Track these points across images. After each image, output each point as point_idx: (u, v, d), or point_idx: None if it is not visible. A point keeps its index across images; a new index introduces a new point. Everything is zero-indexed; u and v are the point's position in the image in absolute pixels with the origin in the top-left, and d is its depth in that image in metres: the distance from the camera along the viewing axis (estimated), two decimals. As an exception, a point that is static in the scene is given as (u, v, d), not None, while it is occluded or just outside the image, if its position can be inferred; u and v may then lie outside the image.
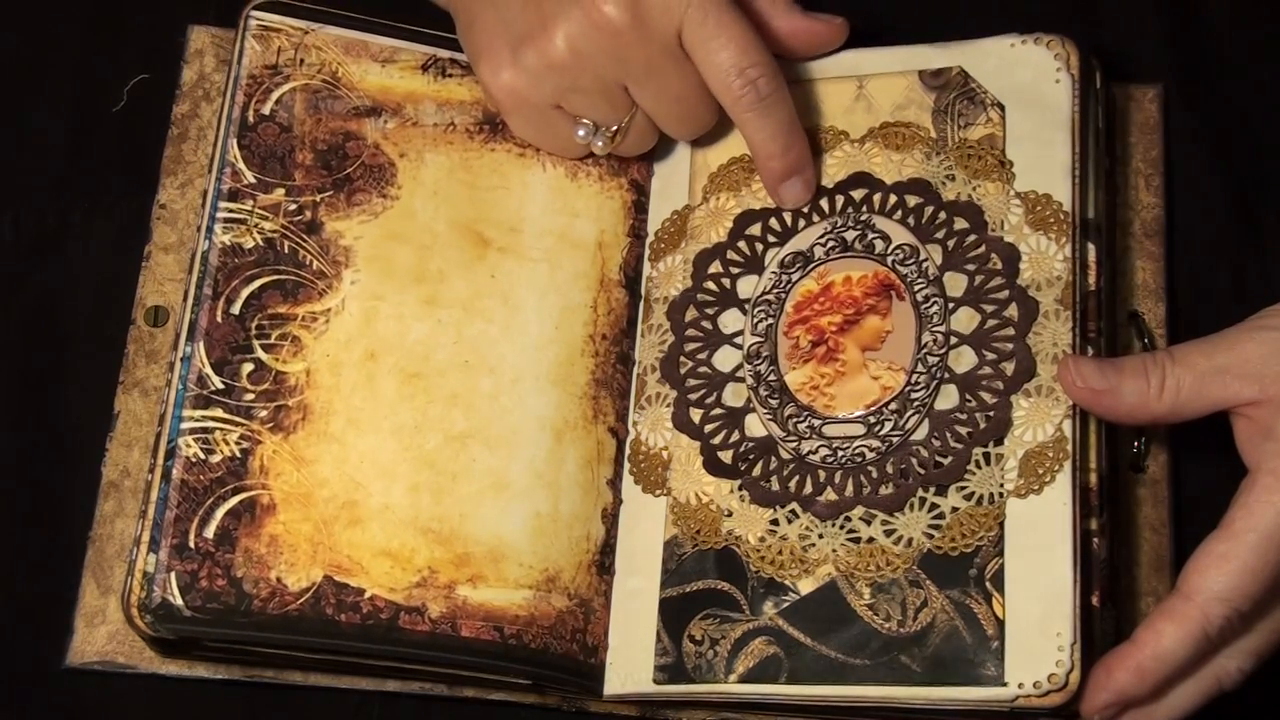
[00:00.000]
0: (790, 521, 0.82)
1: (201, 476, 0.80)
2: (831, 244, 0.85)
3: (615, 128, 0.85)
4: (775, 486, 0.82)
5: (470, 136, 0.88)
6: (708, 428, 0.85)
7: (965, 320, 0.82)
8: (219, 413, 0.81)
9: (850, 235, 0.85)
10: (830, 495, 0.82)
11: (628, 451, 0.86)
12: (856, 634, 0.79)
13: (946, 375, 0.82)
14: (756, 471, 0.83)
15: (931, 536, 0.80)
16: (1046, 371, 0.80)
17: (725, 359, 0.86)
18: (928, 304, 0.83)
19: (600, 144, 0.85)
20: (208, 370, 0.81)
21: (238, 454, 0.80)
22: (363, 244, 0.85)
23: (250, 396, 0.81)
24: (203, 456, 0.80)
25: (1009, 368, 0.81)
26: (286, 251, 0.84)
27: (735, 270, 0.87)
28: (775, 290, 0.85)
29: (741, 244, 0.87)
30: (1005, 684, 0.76)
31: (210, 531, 0.79)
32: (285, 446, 0.81)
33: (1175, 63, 0.93)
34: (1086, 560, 0.78)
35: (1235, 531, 0.75)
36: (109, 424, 0.86)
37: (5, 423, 0.87)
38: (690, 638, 0.82)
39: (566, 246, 0.87)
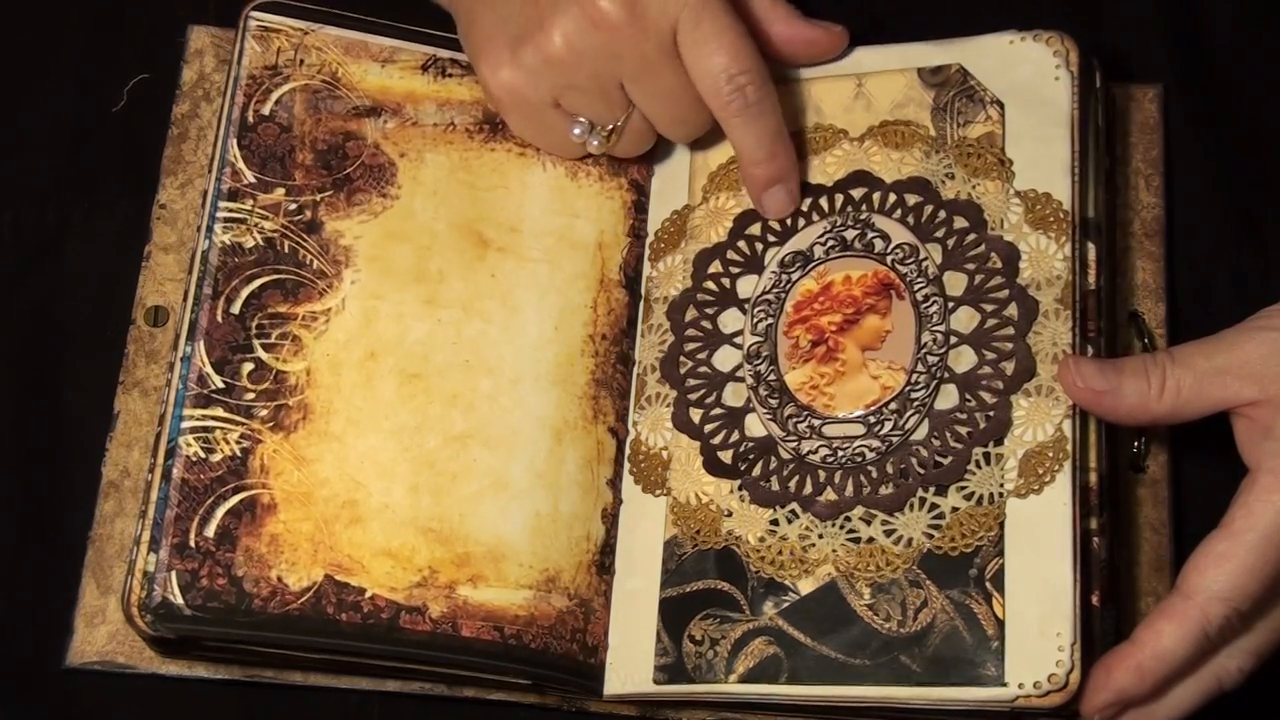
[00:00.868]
0: (790, 521, 0.82)
1: (202, 475, 0.80)
2: (831, 243, 0.85)
3: (611, 127, 0.85)
4: (775, 486, 0.82)
5: (470, 136, 0.88)
6: (707, 428, 0.85)
7: (965, 320, 0.82)
8: (219, 412, 0.81)
9: (850, 234, 0.85)
10: (830, 495, 0.82)
11: (628, 451, 0.86)
12: (856, 634, 0.79)
13: (946, 375, 0.81)
14: (756, 471, 0.83)
15: (931, 536, 0.79)
16: (1046, 371, 0.80)
17: (725, 359, 0.86)
18: (927, 303, 0.83)
19: (596, 143, 0.85)
20: (208, 370, 0.81)
21: (238, 453, 0.80)
22: (363, 244, 0.85)
23: (251, 396, 0.81)
24: (203, 455, 0.80)
25: (1009, 367, 0.81)
26: (286, 251, 0.84)
27: (735, 270, 0.87)
28: (775, 290, 0.85)
29: (741, 243, 0.87)
30: (1005, 684, 0.76)
31: (211, 531, 0.79)
32: (286, 446, 0.81)
33: (1175, 63, 0.93)
34: (1086, 560, 0.78)
35: (1235, 531, 0.75)
36: (109, 424, 0.86)
37: (5, 423, 0.87)
38: (690, 638, 0.82)
39: (566, 247, 0.87)
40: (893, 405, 0.82)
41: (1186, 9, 0.94)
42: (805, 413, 0.83)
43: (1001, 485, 0.79)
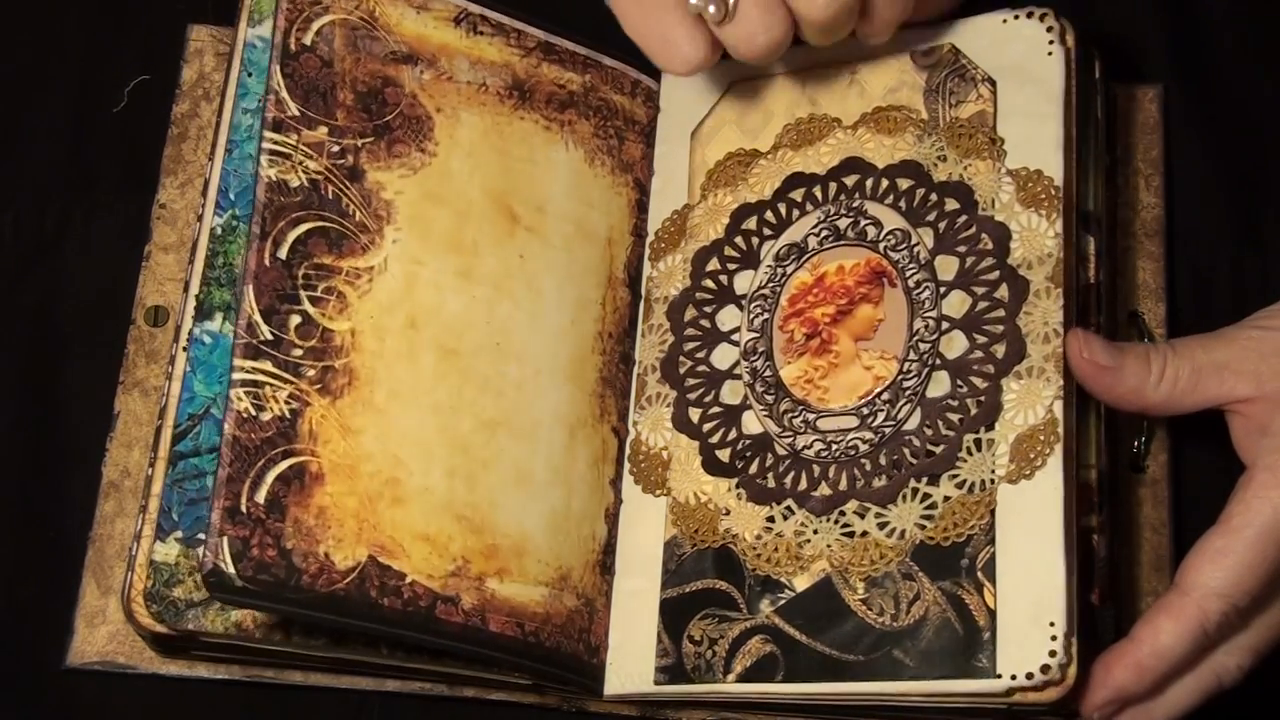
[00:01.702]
0: (786, 518, 0.82)
1: (253, 435, 0.78)
2: (825, 233, 0.85)
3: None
4: (770, 483, 0.82)
5: (501, 100, 0.87)
6: (706, 426, 0.85)
7: (956, 304, 0.82)
8: (269, 366, 0.79)
9: (843, 223, 0.85)
10: (824, 490, 0.82)
11: (628, 451, 0.86)
12: (850, 630, 0.79)
13: (938, 361, 0.81)
14: (753, 469, 0.83)
15: (924, 527, 0.79)
16: (1037, 352, 0.80)
17: (723, 356, 0.86)
18: (919, 289, 0.83)
19: (713, 9, 0.80)
20: (257, 318, 0.80)
21: (287, 414, 0.79)
22: (403, 200, 0.84)
23: (299, 352, 0.80)
24: (254, 413, 0.78)
25: (999, 350, 0.80)
26: (330, 197, 0.83)
27: (732, 266, 0.87)
28: (771, 284, 0.85)
29: (738, 239, 0.87)
30: (998, 675, 0.76)
31: (261, 496, 0.77)
32: (333, 412, 0.80)
33: (1175, 63, 0.93)
34: (1086, 557, 0.78)
35: (1233, 527, 0.75)
36: (109, 424, 0.86)
37: (5, 423, 0.88)
38: (690, 638, 0.82)
39: (582, 237, 0.87)
40: (885, 395, 0.82)
41: (1186, 9, 0.94)
42: (800, 407, 0.83)
43: (993, 471, 0.79)
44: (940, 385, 0.81)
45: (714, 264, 0.87)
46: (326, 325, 0.81)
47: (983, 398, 0.80)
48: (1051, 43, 0.83)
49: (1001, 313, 0.81)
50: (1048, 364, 0.79)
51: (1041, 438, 0.78)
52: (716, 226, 0.88)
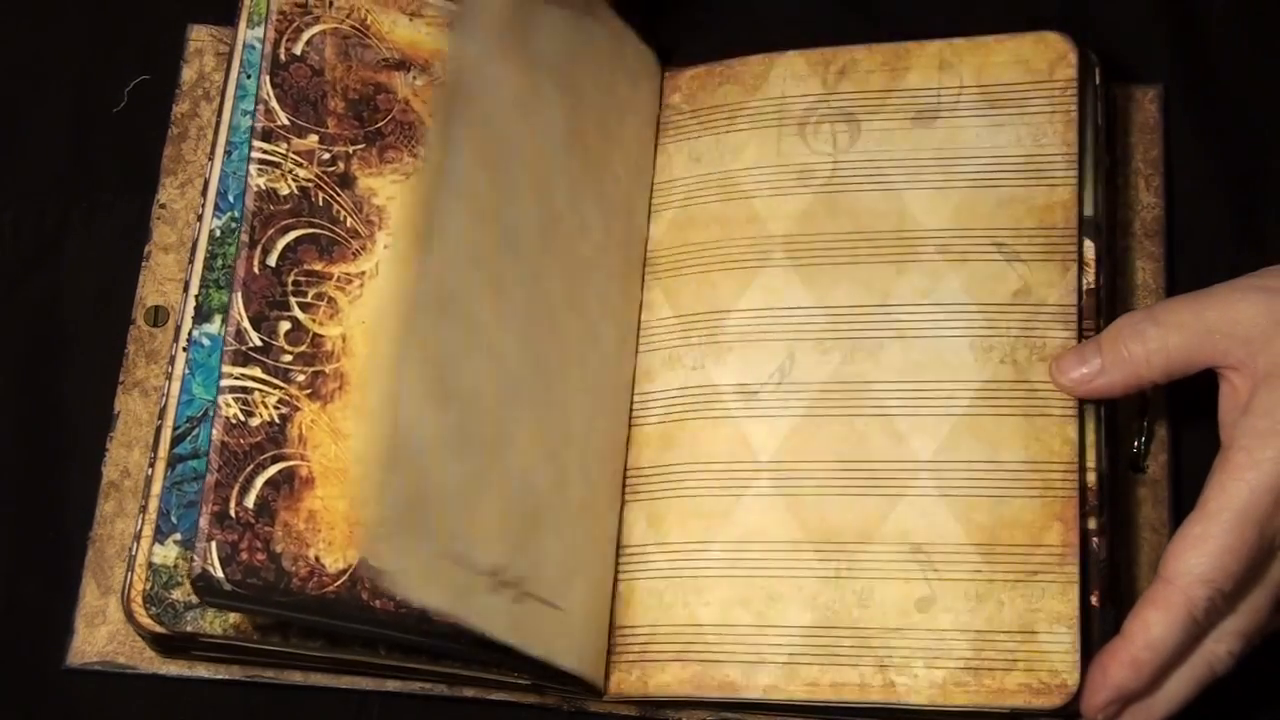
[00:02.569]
0: None
1: (242, 440, 0.79)
2: None
3: None
4: None
5: None
6: None
7: None
8: (258, 372, 0.80)
9: None
10: None
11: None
12: None
13: None
14: None
15: None
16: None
17: None
18: None
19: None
20: (245, 324, 0.80)
21: (276, 419, 0.79)
22: (395, 205, 0.84)
23: (288, 358, 0.80)
24: (242, 419, 0.79)
25: None
26: (321, 204, 0.83)
27: None
28: None
29: None
30: None
31: (250, 500, 0.78)
32: (324, 416, 0.80)
33: (1175, 63, 0.93)
34: (1085, 559, 0.78)
35: (1210, 512, 0.75)
36: (109, 424, 0.86)
37: (5, 423, 0.88)
38: None
39: None
40: None
41: (1186, 9, 0.94)
42: None
43: None
44: None
45: None
46: (317, 331, 0.81)
47: None
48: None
49: None
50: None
51: None
52: None
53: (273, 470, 0.78)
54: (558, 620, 0.79)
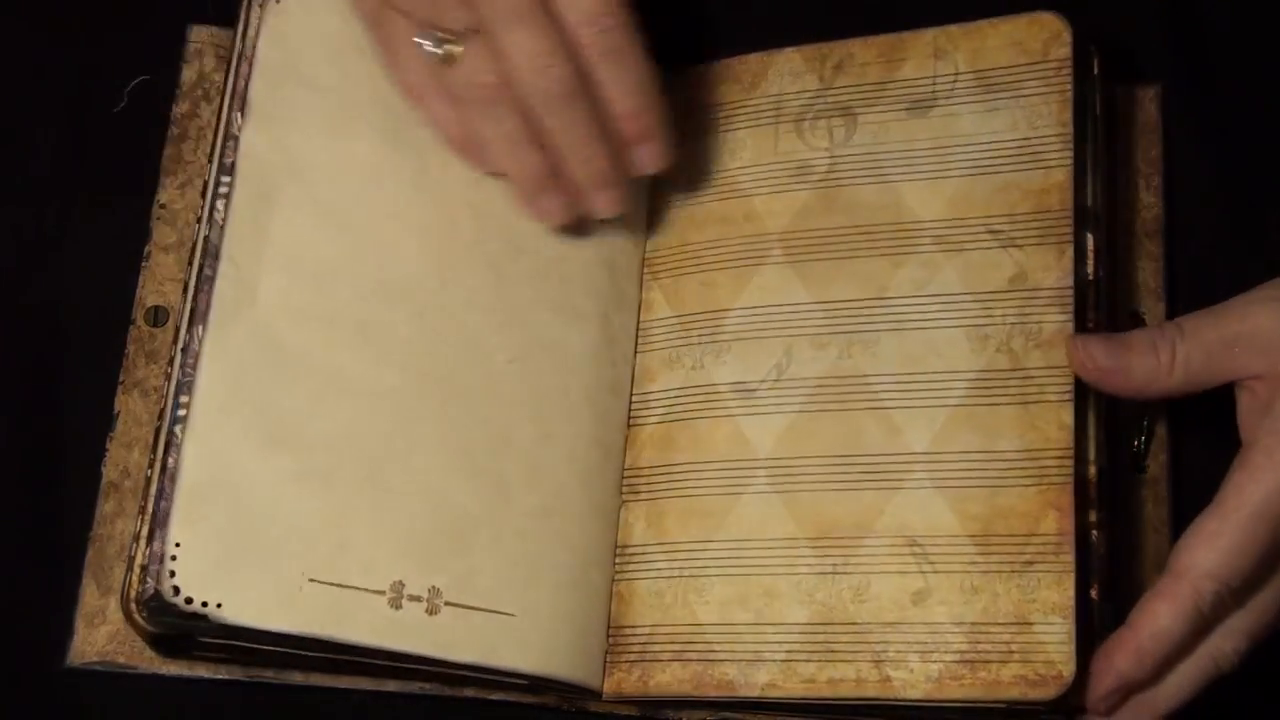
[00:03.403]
0: None
1: None
2: None
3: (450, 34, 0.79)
4: None
5: None
6: None
7: None
8: None
9: None
10: None
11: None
12: None
13: None
14: None
15: None
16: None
17: None
18: None
19: (435, 50, 0.80)
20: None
21: None
22: None
23: None
24: None
25: None
26: None
27: None
28: None
29: None
30: None
31: None
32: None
33: (1175, 63, 0.93)
34: (1085, 552, 0.78)
35: (1226, 509, 0.75)
36: (109, 424, 0.86)
37: (5, 423, 0.87)
38: None
39: None
40: None
41: (1186, 9, 0.94)
42: None
43: None
44: None
45: None
46: None
47: None
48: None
49: None
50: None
51: None
52: None
53: None
54: (504, 626, 0.80)
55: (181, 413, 0.78)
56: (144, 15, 0.93)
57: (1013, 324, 0.80)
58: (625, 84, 0.79)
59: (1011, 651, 0.76)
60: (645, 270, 0.87)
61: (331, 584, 0.77)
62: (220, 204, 0.80)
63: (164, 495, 0.77)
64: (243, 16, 0.83)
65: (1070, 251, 0.80)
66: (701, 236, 0.86)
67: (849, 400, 0.81)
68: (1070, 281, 0.80)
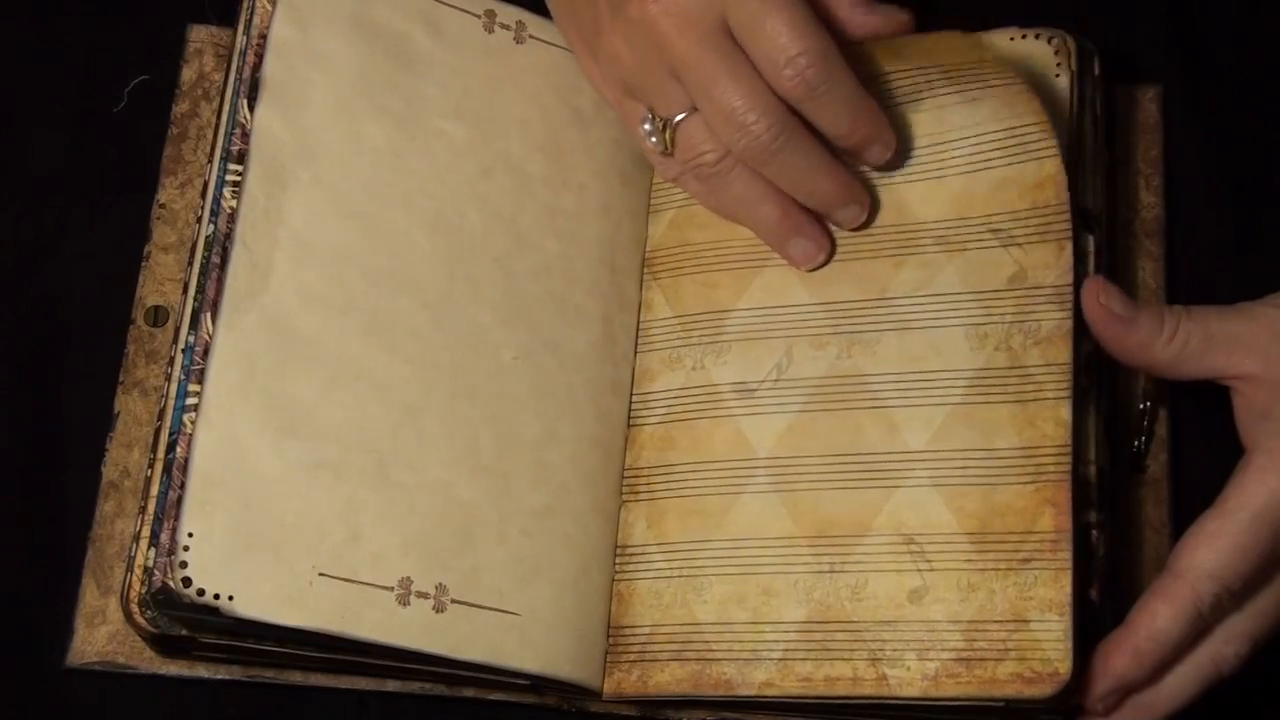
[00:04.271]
0: None
1: None
2: None
3: (665, 120, 0.82)
4: None
5: None
6: None
7: None
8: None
9: None
10: None
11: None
12: None
13: None
14: None
15: None
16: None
17: None
18: None
19: (654, 140, 0.83)
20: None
21: None
22: None
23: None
24: None
25: None
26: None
27: None
28: None
29: None
30: None
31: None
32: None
33: (1175, 63, 0.93)
34: (1084, 552, 0.78)
35: (1228, 510, 0.75)
36: (109, 424, 0.86)
37: (5, 423, 0.87)
38: None
39: None
40: None
41: (1186, 9, 0.94)
42: None
43: None
44: None
45: None
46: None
47: None
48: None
49: None
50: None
51: None
52: None
53: None
54: (509, 625, 0.80)
55: (192, 401, 0.77)
56: (144, 15, 0.93)
57: (1011, 323, 0.80)
58: (834, 111, 0.80)
59: (1008, 649, 0.76)
60: (645, 271, 0.87)
61: (341, 578, 0.77)
62: (228, 191, 0.80)
63: (174, 485, 0.76)
64: (246, 3, 0.83)
65: (1069, 248, 0.80)
66: (703, 237, 0.86)
67: (848, 399, 0.81)
68: (1070, 279, 0.80)
